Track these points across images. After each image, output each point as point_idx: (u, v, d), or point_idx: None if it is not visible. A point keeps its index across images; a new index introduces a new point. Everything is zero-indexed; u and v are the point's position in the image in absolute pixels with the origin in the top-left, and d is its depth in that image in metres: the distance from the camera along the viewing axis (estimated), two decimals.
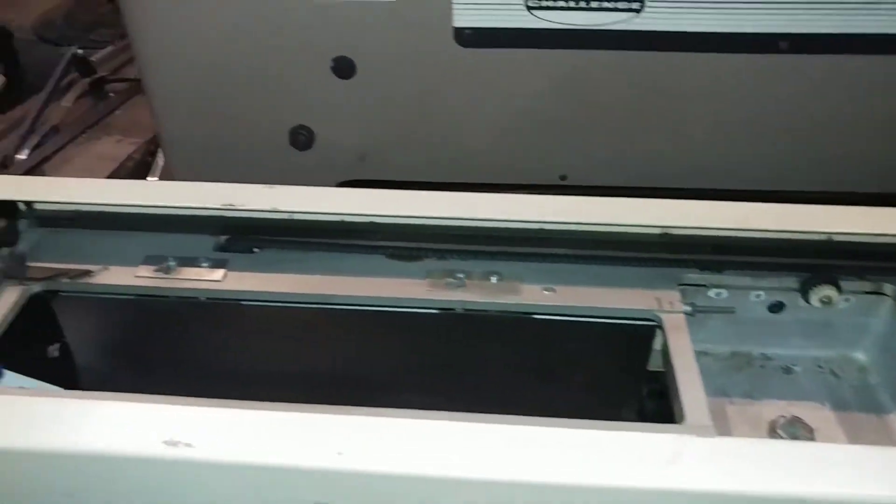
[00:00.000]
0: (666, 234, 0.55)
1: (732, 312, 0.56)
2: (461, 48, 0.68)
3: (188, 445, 0.37)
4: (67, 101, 1.34)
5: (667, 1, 0.64)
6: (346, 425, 0.39)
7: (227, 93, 0.71)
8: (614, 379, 0.59)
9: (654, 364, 0.54)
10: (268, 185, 0.55)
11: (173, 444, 0.37)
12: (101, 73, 1.41)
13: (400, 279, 0.56)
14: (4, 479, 0.41)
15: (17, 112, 1.33)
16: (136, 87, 1.28)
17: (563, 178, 0.74)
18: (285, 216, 0.56)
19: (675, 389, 0.47)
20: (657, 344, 0.54)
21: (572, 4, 0.65)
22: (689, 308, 0.53)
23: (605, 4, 0.64)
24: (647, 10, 0.64)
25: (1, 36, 1.57)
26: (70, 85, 1.37)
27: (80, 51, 1.40)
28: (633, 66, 0.68)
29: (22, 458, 0.39)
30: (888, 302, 0.56)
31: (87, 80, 1.37)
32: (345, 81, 0.71)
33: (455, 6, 0.66)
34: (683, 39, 0.66)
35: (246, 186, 0.56)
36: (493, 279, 0.55)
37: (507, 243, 0.57)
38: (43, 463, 0.39)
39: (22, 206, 0.59)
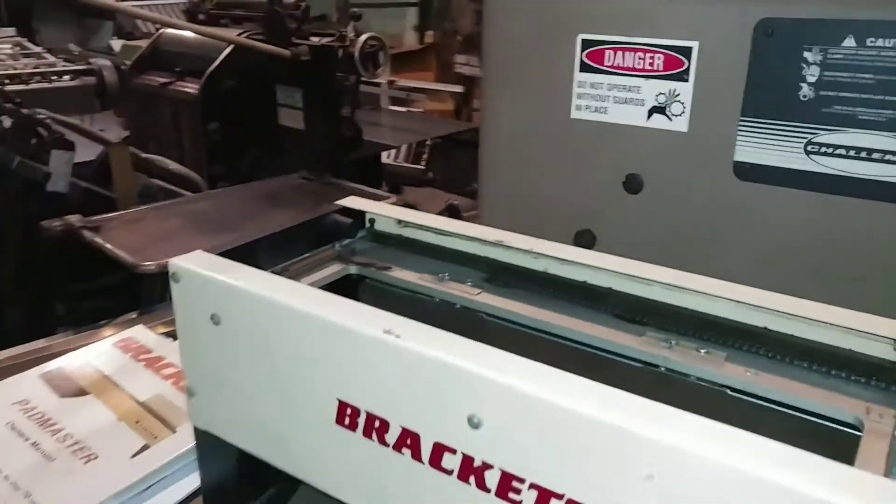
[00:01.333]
0: None
1: None
2: (738, 180, 0.76)
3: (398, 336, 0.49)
4: None
5: None
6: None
7: (532, 180, 0.88)
8: None
9: None
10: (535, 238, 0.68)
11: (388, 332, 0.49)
12: None
13: (617, 331, 0.63)
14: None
15: None
16: None
17: None
18: (541, 266, 0.68)
19: None
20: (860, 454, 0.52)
21: (852, 154, 0.69)
22: None
23: (889, 157, 0.68)
24: None
25: None
26: None
27: None
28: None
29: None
30: None
31: None
32: (632, 196, 0.83)
33: (738, 142, 0.75)
34: None
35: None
36: (702, 352, 0.60)
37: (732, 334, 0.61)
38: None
39: (368, 220, 0.80)
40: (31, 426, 0.86)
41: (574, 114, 0.85)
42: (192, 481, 0.80)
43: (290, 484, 0.70)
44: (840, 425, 0.54)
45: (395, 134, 2.86)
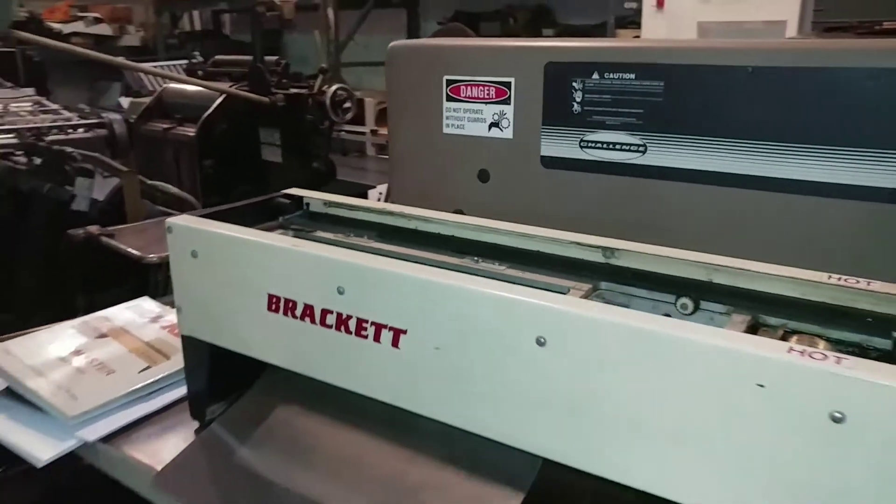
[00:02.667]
0: None
1: None
2: (544, 168, 1.14)
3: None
4: None
5: (663, 146, 1.03)
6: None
7: (422, 177, 1.27)
8: None
9: None
10: None
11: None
12: None
13: (453, 258, 1.00)
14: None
15: None
16: None
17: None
18: (412, 225, 1.06)
19: None
20: None
21: (606, 146, 1.08)
22: None
23: (625, 147, 1.06)
24: (648, 153, 1.04)
25: None
26: None
27: None
28: (640, 190, 1.06)
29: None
30: None
31: None
32: (483, 184, 1.21)
33: (543, 142, 1.13)
34: (677, 173, 1.03)
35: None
36: (496, 264, 0.97)
37: None
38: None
39: (305, 204, 1.18)
40: (69, 355, 1.24)
41: (445, 130, 1.24)
42: (181, 391, 1.17)
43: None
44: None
45: (377, 176, 3.29)
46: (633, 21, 4.48)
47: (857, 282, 0.69)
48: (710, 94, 0.98)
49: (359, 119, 4.23)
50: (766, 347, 0.59)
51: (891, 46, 0.90)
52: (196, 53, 3.63)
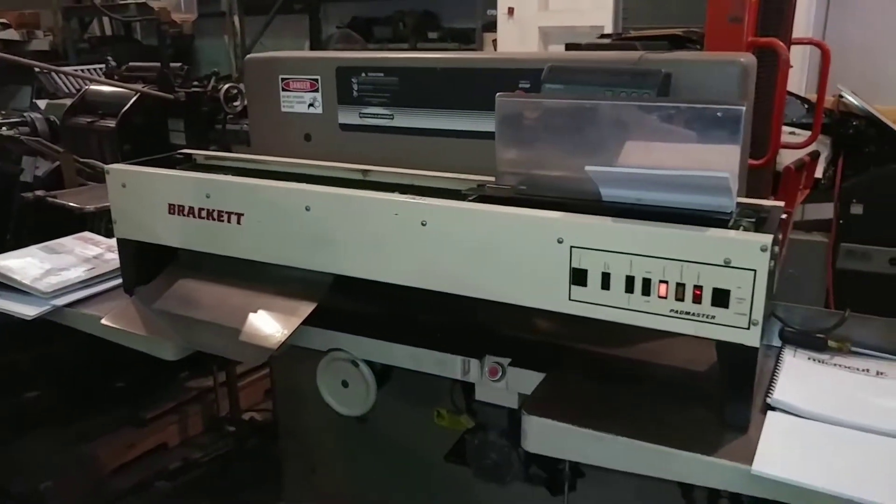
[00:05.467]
0: None
1: None
2: (342, 132, 1.88)
3: None
4: None
5: (401, 114, 1.78)
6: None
7: (273, 142, 1.99)
8: None
9: None
10: None
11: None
12: None
13: None
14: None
15: None
16: None
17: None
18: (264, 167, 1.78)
19: None
20: None
21: (372, 116, 1.82)
22: None
23: (381, 116, 1.81)
24: (396, 119, 1.79)
25: None
26: None
27: None
28: (391, 141, 1.81)
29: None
30: None
31: None
32: (307, 143, 1.94)
33: (339, 114, 1.87)
34: (411, 130, 1.78)
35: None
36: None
37: None
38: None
39: (193, 158, 1.89)
40: (37, 261, 1.91)
41: (283, 109, 1.97)
42: (115, 282, 1.86)
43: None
44: None
45: None
46: (495, 25, 5.28)
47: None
48: (421, 84, 1.74)
49: None
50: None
51: (508, 57, 1.67)
52: (109, 58, 4.22)
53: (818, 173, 2.68)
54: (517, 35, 4.78)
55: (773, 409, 1.24)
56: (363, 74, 1.81)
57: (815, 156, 2.43)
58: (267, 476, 2.62)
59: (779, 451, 1.13)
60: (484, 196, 1.41)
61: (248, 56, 2.00)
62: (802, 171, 2.28)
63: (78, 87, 3.58)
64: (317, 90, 1.90)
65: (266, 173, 1.76)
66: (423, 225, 1.35)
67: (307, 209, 1.47)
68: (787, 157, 2.37)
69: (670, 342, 1.37)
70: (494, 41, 5.11)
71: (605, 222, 1.21)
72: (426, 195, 1.43)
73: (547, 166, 1.38)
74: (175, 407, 2.86)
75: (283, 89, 1.95)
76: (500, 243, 1.28)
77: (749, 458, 1.13)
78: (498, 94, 1.42)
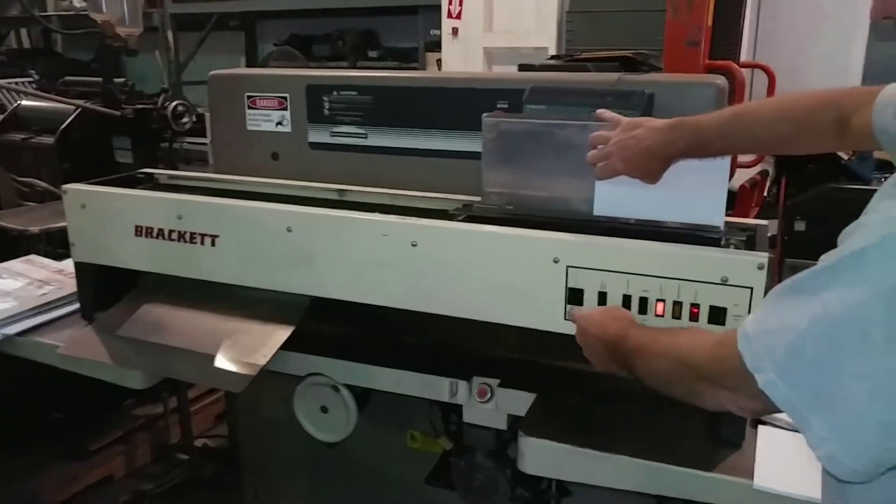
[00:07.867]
0: None
1: None
2: (311, 150, 1.84)
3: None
4: None
5: (374, 134, 1.76)
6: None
7: (237, 162, 1.93)
8: None
9: None
10: None
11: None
12: None
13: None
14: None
15: None
16: None
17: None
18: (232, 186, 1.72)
19: None
20: None
21: (344, 135, 1.79)
22: None
23: (354, 135, 1.78)
24: (369, 138, 1.77)
25: None
26: None
27: None
28: (363, 160, 1.78)
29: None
30: None
31: None
32: (274, 163, 1.88)
33: (309, 133, 1.83)
34: (383, 149, 1.76)
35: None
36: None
37: None
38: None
39: (155, 178, 1.81)
40: None
41: (248, 128, 1.91)
42: (72, 308, 1.76)
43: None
44: None
45: None
46: (438, 45, 5.30)
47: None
48: (396, 103, 1.72)
49: (201, 132, 4.75)
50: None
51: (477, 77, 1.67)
52: (32, 71, 4.02)
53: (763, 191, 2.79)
54: (462, 55, 4.81)
55: (763, 423, 1.27)
56: (335, 93, 1.78)
57: (764, 174, 2.54)
58: None
59: (776, 465, 1.15)
60: (473, 216, 1.40)
61: (213, 72, 1.94)
62: (755, 189, 2.37)
63: (10, 101, 3.41)
64: (285, 108, 1.85)
65: (236, 193, 1.70)
66: (413, 246, 1.33)
67: (289, 230, 1.43)
68: (738, 177, 2.46)
69: None
70: (438, 61, 5.12)
71: (602, 242, 1.22)
72: (409, 215, 1.41)
73: (535, 185, 1.39)
74: (122, 437, 2.71)
75: (249, 107, 1.90)
76: (494, 264, 1.28)
77: (747, 472, 1.15)
78: (484, 114, 1.41)
